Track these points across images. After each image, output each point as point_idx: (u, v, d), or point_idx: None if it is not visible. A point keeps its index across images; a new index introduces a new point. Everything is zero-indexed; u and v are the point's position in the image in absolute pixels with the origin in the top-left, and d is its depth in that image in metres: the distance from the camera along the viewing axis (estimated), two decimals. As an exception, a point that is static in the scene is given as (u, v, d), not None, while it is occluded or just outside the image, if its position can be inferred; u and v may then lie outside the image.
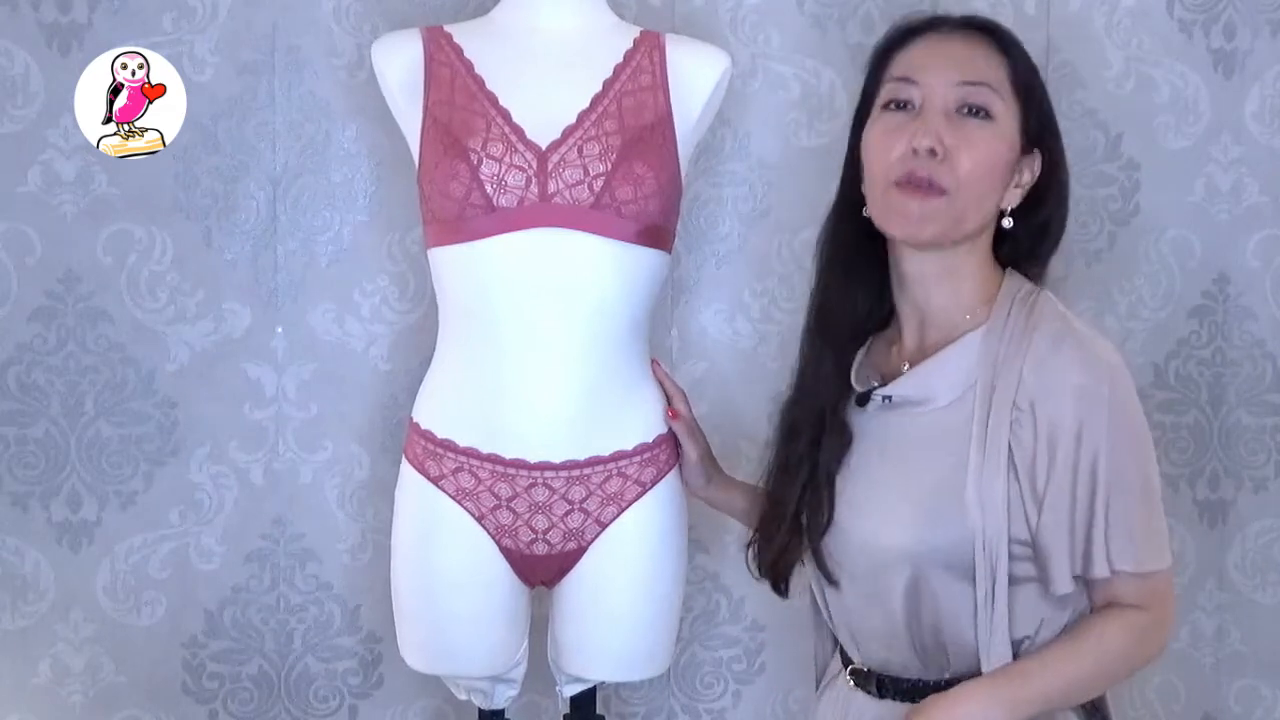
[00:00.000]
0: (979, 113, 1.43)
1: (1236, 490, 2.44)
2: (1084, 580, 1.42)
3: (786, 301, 2.30)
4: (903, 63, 1.47)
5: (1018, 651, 1.43)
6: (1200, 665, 2.46)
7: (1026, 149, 1.47)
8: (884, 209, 1.45)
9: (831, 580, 1.51)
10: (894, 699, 1.50)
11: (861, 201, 1.49)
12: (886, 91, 1.47)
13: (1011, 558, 1.40)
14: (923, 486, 1.42)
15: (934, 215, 1.42)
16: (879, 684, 1.51)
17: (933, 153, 1.41)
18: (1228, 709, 2.47)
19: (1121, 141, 2.35)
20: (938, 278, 1.47)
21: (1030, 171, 1.48)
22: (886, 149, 1.44)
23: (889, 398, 1.48)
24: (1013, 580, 1.41)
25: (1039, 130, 1.48)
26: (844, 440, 1.51)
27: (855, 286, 1.54)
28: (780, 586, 1.61)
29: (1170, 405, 2.41)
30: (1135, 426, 1.40)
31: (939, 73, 1.44)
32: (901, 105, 1.46)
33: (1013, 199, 1.47)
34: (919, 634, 1.45)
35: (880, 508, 1.45)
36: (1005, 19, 2.26)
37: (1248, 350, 2.42)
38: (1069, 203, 1.51)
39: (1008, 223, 1.47)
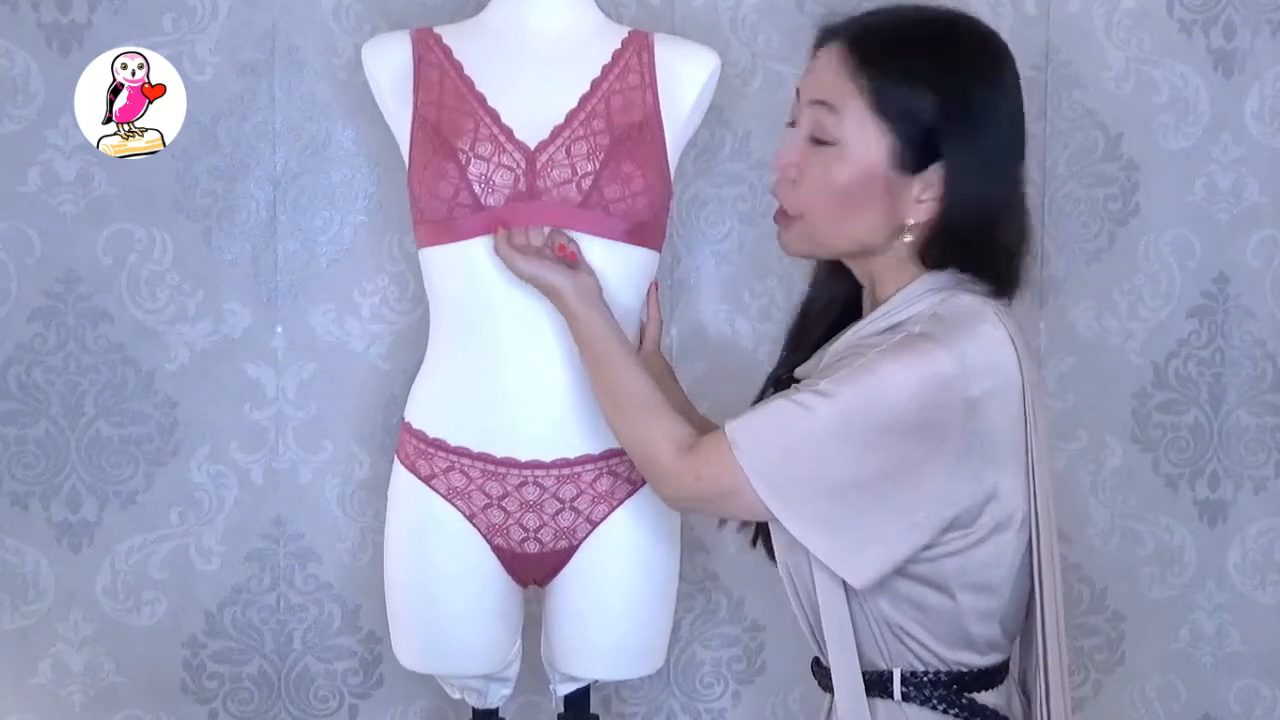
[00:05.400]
0: (820, 136, 1.41)
1: (1236, 490, 2.44)
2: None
3: (786, 301, 2.30)
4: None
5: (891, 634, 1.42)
6: (1200, 665, 2.46)
7: (915, 165, 1.39)
8: None
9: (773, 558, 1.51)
10: (817, 682, 1.51)
11: None
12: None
13: None
14: None
15: (794, 238, 1.47)
16: (815, 664, 1.51)
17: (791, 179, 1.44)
18: (1228, 709, 2.47)
19: (1121, 141, 2.35)
20: (867, 285, 1.48)
21: (932, 186, 1.39)
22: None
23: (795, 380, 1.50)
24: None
25: (927, 144, 1.38)
26: None
27: (834, 287, 1.55)
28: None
29: (1170, 405, 2.41)
30: (887, 397, 1.33)
31: (804, 92, 1.44)
32: (792, 126, 1.47)
33: (919, 213, 1.40)
34: (804, 609, 1.45)
35: None
36: (1005, 19, 2.27)
37: (1248, 350, 2.42)
38: (985, 210, 1.40)
39: (907, 237, 1.41)
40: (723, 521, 1.63)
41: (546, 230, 1.68)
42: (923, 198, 1.40)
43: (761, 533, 1.55)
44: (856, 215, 1.41)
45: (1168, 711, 2.45)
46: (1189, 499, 2.43)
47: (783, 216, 1.47)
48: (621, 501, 1.78)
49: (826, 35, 1.45)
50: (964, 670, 1.42)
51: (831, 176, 1.40)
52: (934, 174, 1.39)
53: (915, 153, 1.38)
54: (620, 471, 1.77)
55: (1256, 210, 2.40)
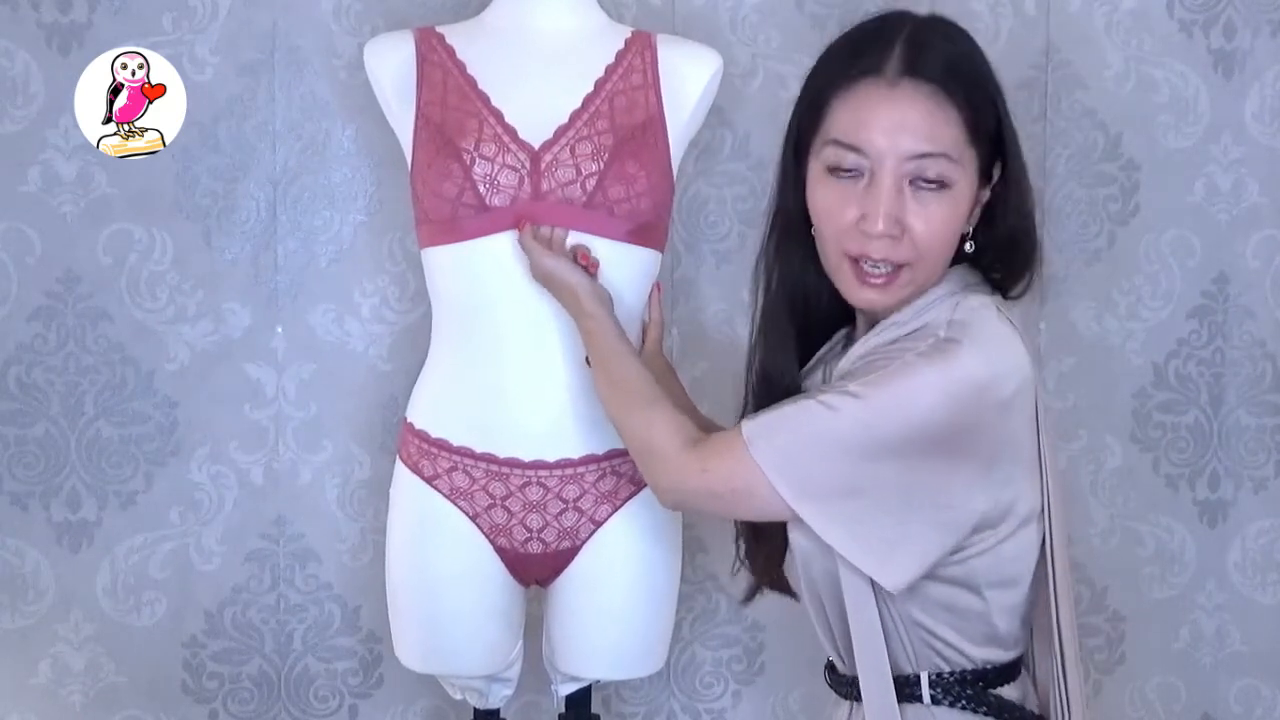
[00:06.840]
0: (935, 184, 1.36)
1: (1236, 490, 2.44)
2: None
3: (786, 301, 2.29)
4: (845, 121, 1.37)
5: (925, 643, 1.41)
6: (1200, 665, 2.46)
7: (986, 177, 1.41)
8: (839, 277, 1.42)
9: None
10: (831, 688, 1.51)
11: (807, 221, 1.44)
12: (830, 154, 1.38)
13: None
14: None
15: (899, 290, 1.39)
16: (829, 670, 1.51)
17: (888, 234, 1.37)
18: (1228, 709, 2.47)
19: (1121, 141, 2.35)
20: (889, 311, 1.44)
21: (989, 190, 1.43)
22: (836, 216, 1.38)
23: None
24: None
25: (996, 157, 1.41)
26: None
27: (810, 295, 1.50)
28: (786, 588, 1.59)
29: (1170, 405, 2.41)
30: (918, 402, 1.32)
31: (888, 142, 1.34)
32: (848, 172, 1.38)
33: (973, 220, 1.42)
34: (825, 615, 1.44)
35: None
36: (1005, 19, 2.27)
37: (1248, 350, 2.42)
38: (1032, 212, 1.44)
39: (969, 247, 1.42)
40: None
41: (568, 237, 1.69)
42: (980, 202, 1.42)
43: (767, 573, 1.56)
44: (953, 244, 1.41)
45: (1168, 711, 2.45)
46: (1189, 499, 2.43)
47: (887, 278, 1.38)
48: (625, 502, 1.78)
49: (897, 72, 1.36)
50: (989, 667, 1.42)
51: (954, 217, 1.38)
52: (993, 176, 1.42)
53: (988, 165, 1.41)
54: (624, 472, 1.77)
55: (1256, 210, 2.40)
